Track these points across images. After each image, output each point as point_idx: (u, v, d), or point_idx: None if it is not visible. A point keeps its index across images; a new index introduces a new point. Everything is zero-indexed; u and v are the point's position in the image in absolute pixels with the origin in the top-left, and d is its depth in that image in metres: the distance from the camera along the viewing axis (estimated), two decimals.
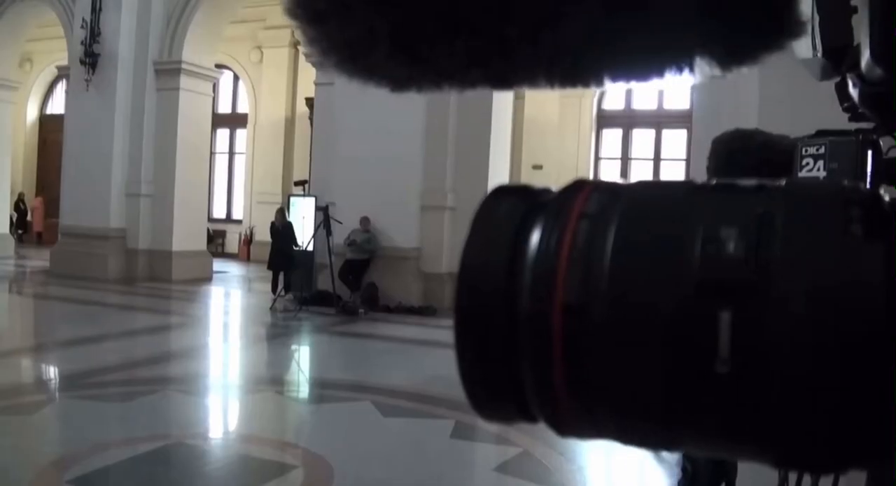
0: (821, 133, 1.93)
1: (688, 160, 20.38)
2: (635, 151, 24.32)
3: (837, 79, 1.91)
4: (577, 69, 0.87)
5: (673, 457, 6.14)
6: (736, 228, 0.62)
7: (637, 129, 24.17)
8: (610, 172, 24.51)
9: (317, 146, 18.05)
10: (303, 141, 24.81)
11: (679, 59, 0.83)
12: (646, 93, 23.35)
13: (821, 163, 1.86)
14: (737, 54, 0.84)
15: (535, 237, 0.67)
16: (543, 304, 0.65)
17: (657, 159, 23.93)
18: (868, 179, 1.77)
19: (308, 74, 21.19)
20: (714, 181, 0.69)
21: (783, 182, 0.64)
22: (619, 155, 24.50)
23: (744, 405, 0.62)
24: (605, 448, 7.37)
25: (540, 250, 0.66)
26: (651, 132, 23.97)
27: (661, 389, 0.62)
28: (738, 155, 2.14)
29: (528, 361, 0.65)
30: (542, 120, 23.17)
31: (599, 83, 0.88)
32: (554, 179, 23.58)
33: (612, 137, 24.59)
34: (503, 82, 0.92)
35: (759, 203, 0.64)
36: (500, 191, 0.74)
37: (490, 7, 0.84)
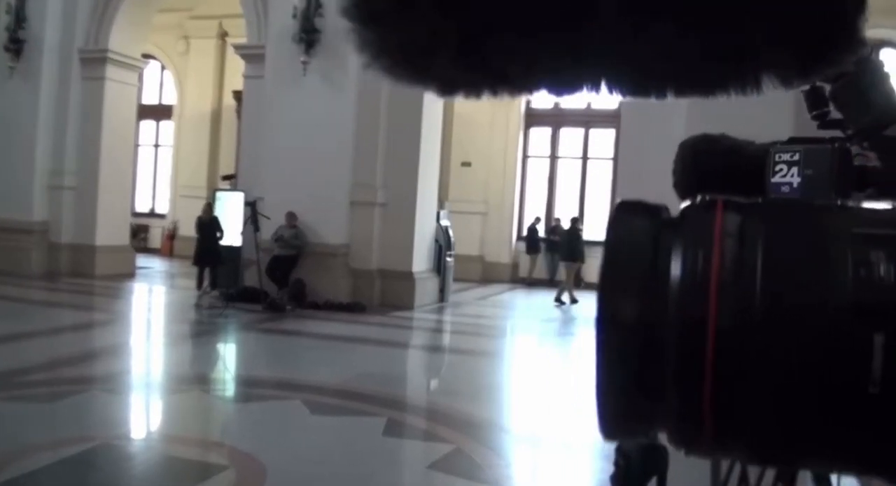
0: (793, 140, 1.99)
1: (615, 159, 20.63)
2: (563, 150, 24.55)
3: (807, 87, 1.98)
4: (642, 82, 0.89)
5: (604, 451, 6.22)
6: (883, 251, 0.65)
7: (565, 128, 24.41)
8: (538, 171, 24.71)
9: (244, 140, 17.88)
10: (229, 134, 24.59)
11: (745, 77, 0.86)
12: None
13: (795, 169, 1.92)
14: (802, 72, 0.87)
15: (676, 258, 0.69)
16: (695, 323, 0.67)
17: (585, 158, 24.21)
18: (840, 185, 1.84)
19: (235, 66, 20.92)
20: (840, 201, 0.73)
21: None
22: (548, 153, 24.70)
23: (888, 425, 0.65)
24: (535, 445, 7.46)
25: (685, 271, 0.69)
26: (580, 131, 24.23)
27: (815, 407, 0.65)
28: (703, 158, 2.17)
29: (674, 380, 0.68)
30: (472, 117, 23.25)
31: (661, 96, 0.90)
32: (482, 176, 23.76)
33: (541, 135, 24.79)
34: (567, 88, 0.93)
35: None
36: (626, 207, 0.77)
37: (569, 16, 0.84)
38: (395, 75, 0.94)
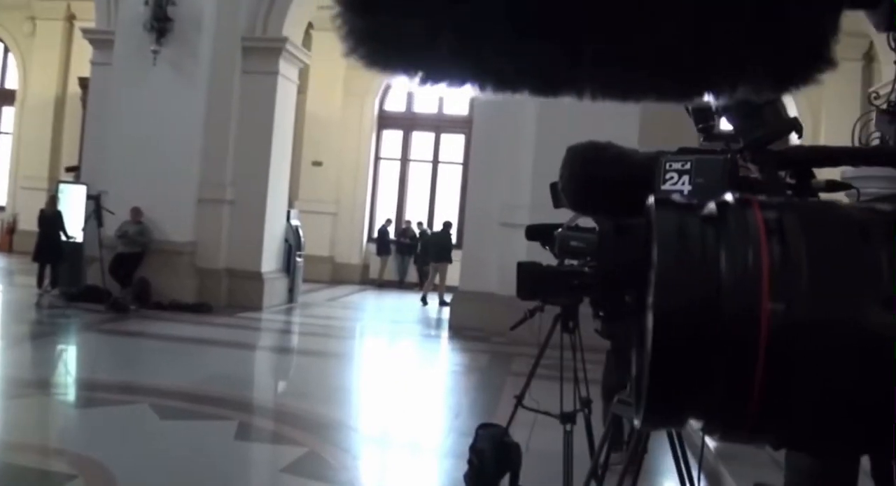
0: (684, 150, 2.10)
1: (465, 164, 20.87)
2: (414, 153, 24.74)
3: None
4: (630, 87, 0.92)
5: (456, 450, 6.32)
6: None
7: (417, 131, 24.60)
8: (389, 173, 24.81)
9: (89, 130, 17.32)
10: (74, 123, 23.64)
11: (723, 88, 0.91)
12: (427, 96, 23.74)
13: (686, 178, 2.03)
14: (776, 86, 0.93)
15: (724, 253, 0.75)
16: (748, 317, 0.73)
17: (435, 162, 24.47)
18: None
19: (83, 52, 20.17)
20: (864, 202, 0.82)
21: None
22: (399, 156, 24.83)
23: None
24: (387, 445, 7.52)
25: (736, 266, 0.74)
26: (431, 135, 24.46)
27: (851, 395, 0.72)
28: (590, 166, 2.25)
29: (725, 371, 0.73)
30: (324, 116, 23.16)
31: (640, 101, 0.94)
32: (334, 176, 23.66)
33: (393, 137, 24.91)
34: (550, 91, 0.94)
35: None
36: (666, 203, 0.81)
37: (572, 16, 0.85)
38: (380, 64, 0.94)
